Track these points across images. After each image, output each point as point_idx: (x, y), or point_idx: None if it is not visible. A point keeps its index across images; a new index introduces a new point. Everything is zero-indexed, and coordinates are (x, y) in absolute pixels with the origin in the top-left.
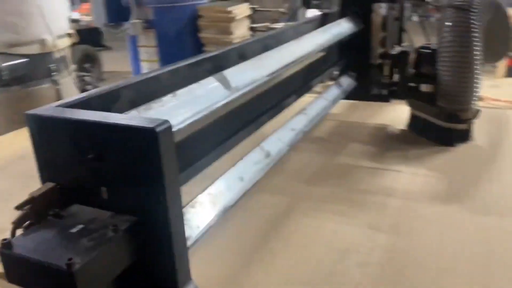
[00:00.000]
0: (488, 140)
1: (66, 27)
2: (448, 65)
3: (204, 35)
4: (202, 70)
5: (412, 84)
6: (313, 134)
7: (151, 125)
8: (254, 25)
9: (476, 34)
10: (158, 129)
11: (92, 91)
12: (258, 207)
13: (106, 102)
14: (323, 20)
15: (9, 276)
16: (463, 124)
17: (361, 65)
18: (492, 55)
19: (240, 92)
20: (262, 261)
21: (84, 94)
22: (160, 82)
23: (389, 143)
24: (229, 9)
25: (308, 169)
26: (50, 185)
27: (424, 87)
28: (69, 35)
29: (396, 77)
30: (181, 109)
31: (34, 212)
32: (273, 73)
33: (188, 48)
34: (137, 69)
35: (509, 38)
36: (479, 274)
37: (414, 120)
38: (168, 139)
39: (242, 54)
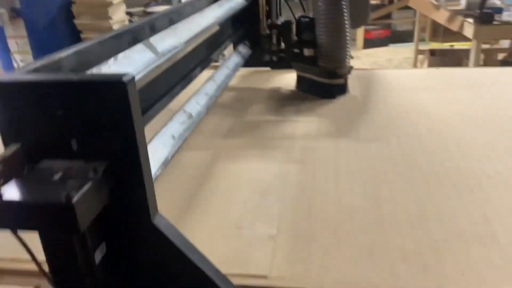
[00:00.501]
0: (360, 92)
1: None
2: (324, 31)
3: (79, 21)
4: (123, 41)
5: (296, 50)
6: (219, 101)
7: (118, 78)
8: (130, 10)
9: (344, 4)
10: (125, 79)
11: (36, 63)
12: (187, 162)
13: (52, 70)
14: None
15: (2, 223)
16: (340, 79)
17: (253, 35)
18: (356, 22)
19: (166, 57)
20: (198, 208)
21: (32, 65)
22: (92, 53)
23: (284, 101)
24: None
25: (221, 127)
26: (15, 145)
27: (307, 52)
28: None
29: (282, 45)
30: (126, 69)
31: (8, 171)
32: (188, 40)
33: (62, 36)
34: (7, 62)
35: (368, 7)
36: (366, 179)
37: (301, 81)
38: (133, 88)
39: (153, 27)
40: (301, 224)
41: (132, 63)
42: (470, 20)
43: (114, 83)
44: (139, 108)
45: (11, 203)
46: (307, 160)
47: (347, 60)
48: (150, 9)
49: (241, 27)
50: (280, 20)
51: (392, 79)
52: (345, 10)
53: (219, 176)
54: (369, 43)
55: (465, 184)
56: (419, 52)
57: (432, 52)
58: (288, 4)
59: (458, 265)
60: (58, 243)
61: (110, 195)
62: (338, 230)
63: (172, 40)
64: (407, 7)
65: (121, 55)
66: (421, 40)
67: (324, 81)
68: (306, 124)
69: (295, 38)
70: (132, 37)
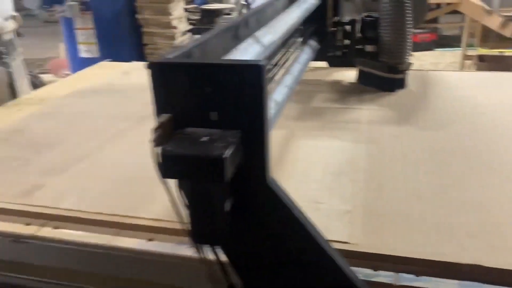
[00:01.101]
0: (417, 88)
1: (11, 9)
2: (388, 29)
3: (141, 16)
4: (228, 35)
5: (359, 46)
6: None
7: (257, 63)
8: (187, 6)
9: (408, 4)
10: (261, 64)
11: (174, 52)
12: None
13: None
14: None
15: (166, 174)
16: (400, 74)
17: (320, 32)
18: (416, 20)
19: (269, 50)
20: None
21: (171, 53)
22: (209, 44)
23: (345, 92)
24: None
25: (292, 113)
26: (167, 115)
27: (369, 48)
28: (14, 17)
29: (346, 41)
30: (248, 58)
31: (164, 134)
32: (282, 36)
33: (125, 29)
34: (73, 52)
35: (426, 6)
36: (431, 165)
37: (362, 75)
38: (265, 72)
39: (246, 24)
40: (373, 203)
41: (248, 54)
42: None
43: (254, 67)
44: (267, 89)
45: (176, 156)
46: (374, 142)
47: (407, 56)
48: (204, 6)
49: (311, 25)
50: (345, 19)
51: (447, 79)
52: (409, 10)
53: (296, 152)
54: (414, 46)
55: None
56: (466, 57)
57: (481, 58)
58: (351, 4)
59: None
60: (201, 191)
61: (242, 158)
62: (407, 210)
63: (271, 36)
64: (455, 12)
65: (240, 47)
66: (469, 45)
67: (384, 75)
68: (369, 112)
69: (358, 35)
70: (233, 32)
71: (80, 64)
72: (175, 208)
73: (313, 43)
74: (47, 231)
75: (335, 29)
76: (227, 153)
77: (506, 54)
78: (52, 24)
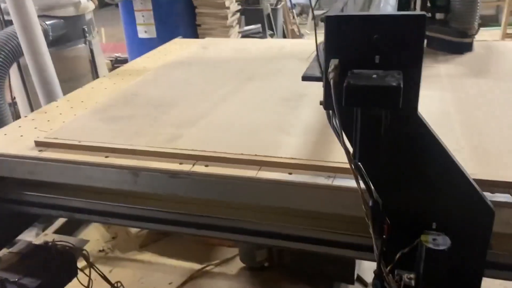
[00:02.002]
0: (483, 51)
1: None
2: None
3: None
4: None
5: (428, 14)
6: None
7: (422, 13)
8: None
9: None
10: (423, 14)
11: (331, 10)
12: None
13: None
14: None
15: (348, 102)
16: (469, 38)
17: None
18: None
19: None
20: None
21: (332, 11)
22: (351, 5)
23: None
24: None
25: None
26: (336, 59)
27: (438, 15)
28: None
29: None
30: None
31: (336, 74)
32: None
33: (181, 10)
34: (132, 33)
35: None
36: (506, 107)
37: (430, 40)
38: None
39: None
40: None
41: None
42: None
43: (420, 17)
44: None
45: (359, 87)
46: (458, 90)
47: (476, 22)
48: None
49: None
50: None
51: (509, 45)
52: None
53: None
54: None
55: None
56: (506, 35)
57: None
58: None
59: None
60: (373, 118)
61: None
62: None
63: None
64: None
65: (375, 5)
66: (509, 24)
67: (454, 40)
68: (446, 69)
69: (428, 4)
70: None
71: (138, 45)
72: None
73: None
74: (200, 168)
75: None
76: (401, 83)
77: None
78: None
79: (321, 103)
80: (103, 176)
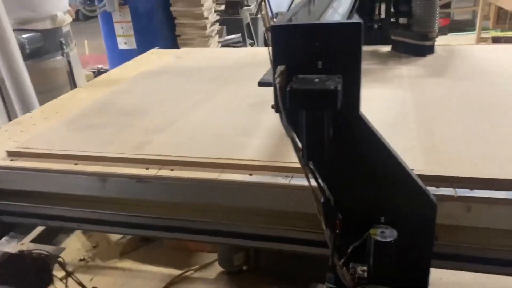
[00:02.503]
0: (444, 54)
1: (67, 4)
2: (420, 2)
3: (175, 8)
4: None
5: (392, 19)
6: None
7: (358, 21)
8: None
9: None
10: (359, 22)
11: (281, 19)
12: None
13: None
14: None
15: (292, 105)
16: (430, 41)
17: (359, 7)
18: None
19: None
20: None
21: (282, 18)
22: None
23: (385, 58)
24: None
25: None
26: (283, 66)
27: (402, 20)
28: (69, 11)
29: (382, 15)
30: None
31: (283, 79)
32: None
33: (160, 21)
34: (112, 44)
35: None
36: (461, 108)
37: (396, 44)
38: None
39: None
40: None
41: (335, 19)
42: None
43: (355, 25)
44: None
45: (301, 91)
46: (415, 88)
47: (436, 25)
48: None
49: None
50: None
51: (469, 49)
52: None
53: None
54: None
55: None
56: (481, 40)
57: (495, 39)
58: None
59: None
60: (316, 119)
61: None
62: (458, 146)
63: (342, 8)
64: None
65: (327, 14)
66: (483, 28)
67: (417, 43)
68: (408, 70)
69: (392, 10)
70: (308, 7)
71: (119, 56)
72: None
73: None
74: (166, 172)
75: (372, 5)
76: (339, 87)
77: None
78: (75, 23)
79: (272, 107)
80: (73, 183)
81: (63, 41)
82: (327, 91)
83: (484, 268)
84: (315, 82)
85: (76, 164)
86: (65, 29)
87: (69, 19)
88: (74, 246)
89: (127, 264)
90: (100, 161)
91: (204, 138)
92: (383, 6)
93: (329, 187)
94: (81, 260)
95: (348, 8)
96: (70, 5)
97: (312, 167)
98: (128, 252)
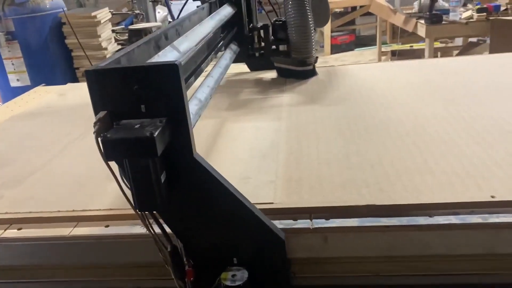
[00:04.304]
0: (326, 77)
1: None
2: (294, 30)
3: (70, 41)
4: (150, 46)
5: (273, 47)
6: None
7: (173, 62)
8: (114, 28)
9: (308, 8)
10: (177, 63)
11: (105, 61)
12: (203, 126)
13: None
14: (210, 7)
15: (108, 156)
16: (309, 66)
17: (239, 37)
18: (319, 22)
19: (186, 55)
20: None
21: (103, 62)
22: (134, 54)
23: (269, 85)
24: (93, 14)
25: (222, 104)
26: (104, 111)
27: (282, 47)
28: None
29: (262, 44)
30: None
31: (103, 127)
32: (198, 43)
33: (55, 55)
34: (3, 82)
35: (328, 10)
36: (331, 134)
37: (279, 70)
38: (182, 69)
39: (166, 36)
40: (292, 172)
41: (167, 58)
42: (422, 21)
43: (171, 66)
44: (185, 82)
45: (114, 140)
46: (292, 119)
47: (313, 51)
48: (132, 27)
49: (230, 31)
50: (259, 24)
51: (351, 69)
52: (309, 13)
53: (226, 134)
54: (336, 48)
55: (405, 132)
56: (382, 53)
57: (393, 53)
58: (264, 11)
59: (405, 188)
60: (140, 167)
61: (169, 138)
62: (318, 173)
63: (188, 44)
64: (369, 13)
65: (160, 53)
66: (383, 43)
67: (297, 69)
68: (289, 98)
69: (272, 37)
70: (155, 43)
71: (12, 94)
72: (122, 189)
73: (233, 46)
74: (12, 233)
75: (251, 34)
76: (156, 133)
77: (415, 48)
78: None
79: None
80: None
81: None
82: (141, 138)
83: None
84: (134, 128)
85: None
86: None
87: None
88: None
89: None
90: None
91: (62, 188)
92: (262, 33)
93: (176, 233)
94: None
95: (199, 42)
96: None
97: (145, 215)
98: None
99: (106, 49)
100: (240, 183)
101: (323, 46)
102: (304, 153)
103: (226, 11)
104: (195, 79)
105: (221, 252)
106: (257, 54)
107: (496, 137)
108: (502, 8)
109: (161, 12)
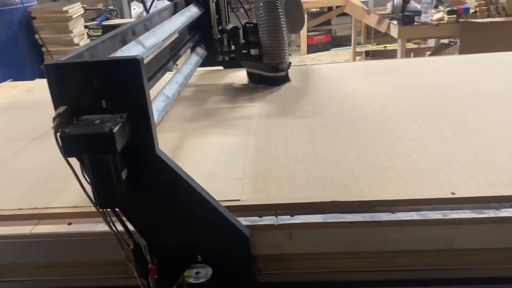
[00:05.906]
0: (300, 81)
1: None
2: (266, 33)
3: (41, 35)
4: (116, 41)
5: (244, 51)
6: (181, 95)
7: (135, 57)
8: (87, 24)
9: (280, 11)
10: (139, 58)
11: (68, 56)
12: (163, 140)
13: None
14: (175, 8)
15: (67, 152)
16: (282, 72)
17: (207, 40)
18: (294, 28)
19: (151, 50)
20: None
21: (66, 56)
22: (98, 49)
23: (238, 92)
24: (64, 9)
25: (186, 115)
26: (64, 107)
27: (253, 51)
28: None
29: (232, 47)
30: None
31: (62, 122)
32: (164, 39)
33: (25, 50)
34: None
35: (303, 15)
36: (307, 140)
37: (251, 75)
38: (143, 64)
39: (134, 31)
40: (260, 171)
41: (131, 53)
42: (395, 22)
43: (132, 60)
44: (147, 78)
45: (73, 136)
46: (262, 132)
47: (286, 57)
48: (105, 23)
49: (197, 33)
50: (229, 26)
51: (325, 70)
52: (282, 16)
53: (190, 146)
54: (312, 48)
55: (372, 129)
56: (356, 54)
57: (367, 53)
58: (234, 12)
59: (369, 185)
60: (100, 164)
61: (131, 134)
62: (286, 170)
63: (154, 39)
64: (345, 14)
65: (124, 48)
66: (358, 43)
67: (269, 75)
68: (259, 108)
69: (242, 41)
70: (121, 38)
71: None
72: (82, 186)
73: (199, 49)
74: None
75: (221, 36)
76: (115, 128)
77: (389, 48)
78: None
79: None
80: None
81: None
82: (101, 134)
83: None
84: (94, 124)
85: None
86: None
87: None
88: None
89: None
90: None
91: (25, 185)
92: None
93: (139, 231)
94: None
95: (165, 39)
96: None
97: (106, 212)
98: None
99: (78, 44)
100: (207, 181)
101: (299, 46)
102: (272, 151)
103: (191, 12)
104: (162, 75)
105: (185, 250)
106: (226, 59)
107: (459, 135)
108: (471, 11)
109: (136, 8)
